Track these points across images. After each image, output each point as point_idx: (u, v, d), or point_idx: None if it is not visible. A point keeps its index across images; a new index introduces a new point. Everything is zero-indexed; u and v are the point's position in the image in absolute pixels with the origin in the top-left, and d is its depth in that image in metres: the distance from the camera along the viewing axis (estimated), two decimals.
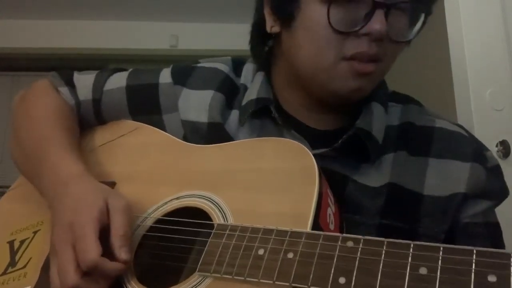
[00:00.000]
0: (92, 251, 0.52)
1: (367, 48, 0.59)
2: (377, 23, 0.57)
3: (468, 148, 0.66)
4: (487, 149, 0.68)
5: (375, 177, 0.63)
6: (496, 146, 1.40)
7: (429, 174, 0.64)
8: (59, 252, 0.54)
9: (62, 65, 3.64)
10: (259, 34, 0.72)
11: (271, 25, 0.67)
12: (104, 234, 0.55)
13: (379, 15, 0.57)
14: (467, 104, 1.45)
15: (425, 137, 0.67)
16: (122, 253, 0.54)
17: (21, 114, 0.76)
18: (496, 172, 0.66)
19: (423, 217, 0.62)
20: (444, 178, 0.63)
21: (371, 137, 0.63)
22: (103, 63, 3.54)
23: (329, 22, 0.58)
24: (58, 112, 0.74)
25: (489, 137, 1.40)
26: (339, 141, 0.63)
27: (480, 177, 0.64)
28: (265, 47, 0.73)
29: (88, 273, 0.52)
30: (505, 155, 1.39)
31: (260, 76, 0.71)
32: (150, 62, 3.40)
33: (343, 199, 0.62)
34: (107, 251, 0.54)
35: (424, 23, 0.63)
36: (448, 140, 0.66)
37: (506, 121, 1.42)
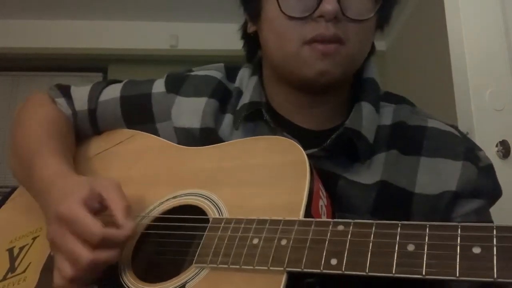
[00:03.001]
0: (93, 226, 0.53)
1: (324, 30, 0.61)
2: (328, 4, 0.59)
3: (460, 147, 0.66)
4: (479, 149, 0.68)
5: (366, 175, 0.64)
6: (496, 146, 1.40)
7: (420, 173, 0.64)
8: (61, 244, 0.54)
9: (62, 65, 3.66)
10: (246, 39, 0.76)
11: (249, 26, 0.72)
12: (99, 217, 0.55)
13: None
14: (467, 104, 1.45)
15: (417, 136, 0.67)
16: (129, 222, 0.55)
17: (17, 124, 0.78)
18: (488, 171, 0.66)
19: (414, 215, 0.63)
20: (435, 176, 0.64)
21: (360, 136, 0.64)
22: (103, 63, 3.55)
23: (280, 10, 0.61)
24: (52, 121, 0.75)
25: (489, 137, 1.40)
26: (328, 141, 0.64)
27: (472, 175, 0.64)
28: (255, 52, 0.76)
29: (97, 247, 0.53)
30: (505, 155, 1.39)
31: (253, 81, 0.73)
32: (150, 62, 3.41)
33: (334, 197, 0.62)
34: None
35: (386, 1, 0.65)
36: (440, 139, 0.67)
37: (506, 121, 1.42)
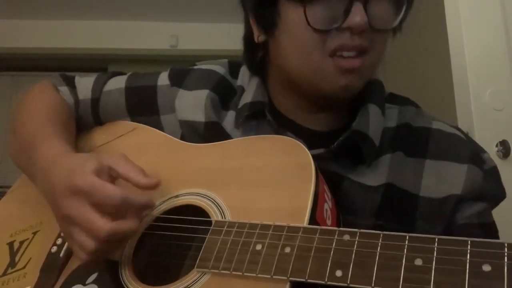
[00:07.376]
0: (112, 190, 0.52)
1: (349, 41, 0.58)
2: (356, 16, 0.56)
3: (465, 150, 0.65)
4: (484, 151, 0.68)
5: (371, 177, 0.63)
6: (496, 146, 1.40)
7: (425, 176, 0.64)
8: (80, 216, 0.53)
9: (62, 65, 3.66)
10: (249, 44, 0.72)
11: (258, 35, 0.67)
12: None
13: (357, 7, 0.57)
14: (467, 104, 1.45)
15: (422, 139, 0.66)
16: (153, 181, 0.56)
17: (18, 110, 0.77)
18: (493, 174, 0.66)
19: (418, 219, 0.62)
20: (440, 179, 0.63)
21: (367, 139, 0.63)
22: (103, 63, 3.54)
23: (308, 23, 0.58)
24: (54, 107, 0.75)
25: (489, 137, 1.40)
26: (335, 143, 0.63)
27: (477, 179, 0.63)
28: (256, 57, 0.72)
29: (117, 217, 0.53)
30: (505, 155, 1.39)
31: (255, 79, 0.72)
32: (150, 62, 3.40)
33: (339, 199, 0.61)
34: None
35: (408, 7, 0.62)
36: (445, 142, 0.66)
37: (506, 121, 1.42)
